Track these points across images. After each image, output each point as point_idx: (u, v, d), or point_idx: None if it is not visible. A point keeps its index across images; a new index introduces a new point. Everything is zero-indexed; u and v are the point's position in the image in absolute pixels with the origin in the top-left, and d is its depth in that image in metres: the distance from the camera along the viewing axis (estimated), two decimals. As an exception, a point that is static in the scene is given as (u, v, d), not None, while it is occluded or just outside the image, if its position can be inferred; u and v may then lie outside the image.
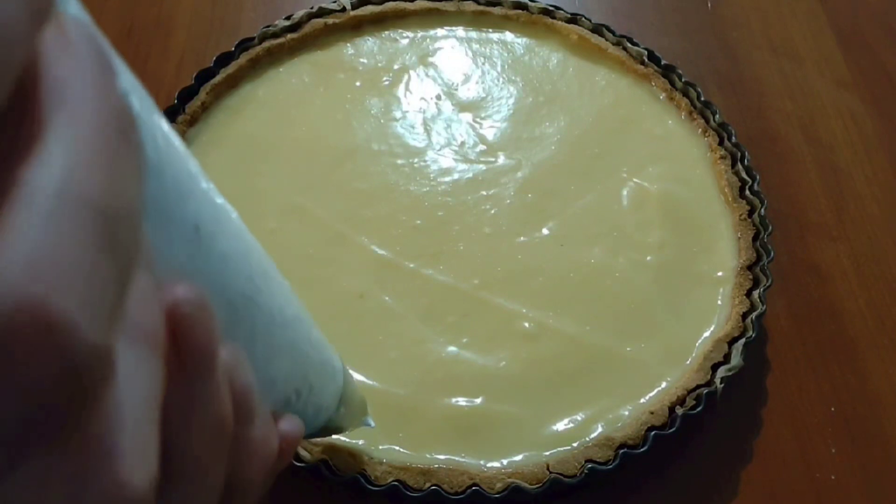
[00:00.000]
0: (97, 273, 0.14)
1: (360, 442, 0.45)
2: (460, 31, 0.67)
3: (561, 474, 0.44)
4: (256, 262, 0.26)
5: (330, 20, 0.65)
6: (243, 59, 0.62)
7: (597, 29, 0.66)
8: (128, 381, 0.16)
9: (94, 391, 0.14)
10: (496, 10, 0.67)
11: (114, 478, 0.15)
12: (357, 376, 0.47)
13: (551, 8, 0.67)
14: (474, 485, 0.44)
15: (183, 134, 0.58)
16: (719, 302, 0.52)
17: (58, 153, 0.14)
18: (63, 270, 0.13)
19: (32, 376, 0.13)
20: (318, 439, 0.45)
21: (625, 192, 0.57)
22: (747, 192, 0.56)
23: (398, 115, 0.62)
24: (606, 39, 0.65)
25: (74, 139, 0.14)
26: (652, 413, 0.47)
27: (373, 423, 0.43)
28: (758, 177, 0.57)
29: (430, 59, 0.65)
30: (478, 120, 0.62)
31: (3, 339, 0.12)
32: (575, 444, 0.46)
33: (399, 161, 0.59)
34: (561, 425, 0.47)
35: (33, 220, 0.13)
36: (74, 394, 0.14)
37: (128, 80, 0.19)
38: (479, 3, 0.68)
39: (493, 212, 0.56)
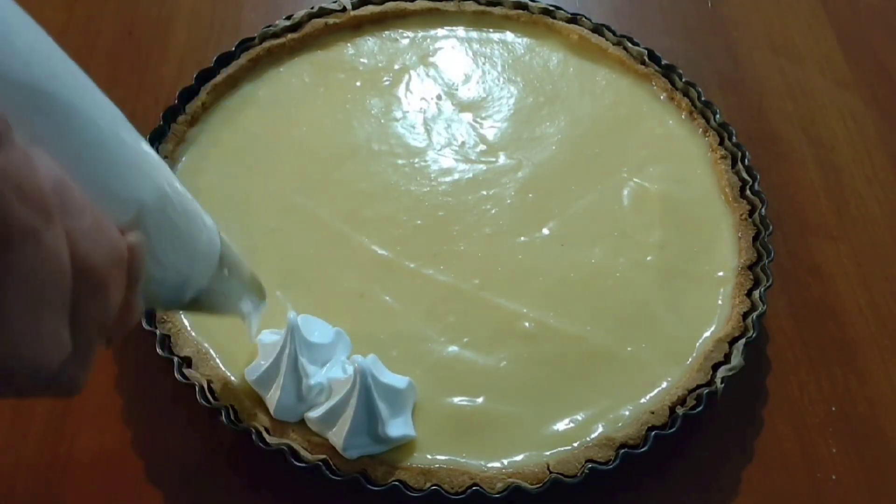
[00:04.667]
0: None
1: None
2: (461, 30, 0.67)
3: (561, 474, 0.44)
4: (75, 76, 0.26)
5: (330, 20, 0.65)
6: (244, 59, 0.62)
7: (597, 29, 0.66)
8: None
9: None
10: (497, 9, 0.67)
11: None
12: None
13: (552, 8, 0.67)
14: (475, 485, 0.44)
15: (183, 134, 0.58)
16: (720, 302, 0.52)
17: None
18: None
19: None
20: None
21: (625, 192, 0.57)
22: (748, 192, 0.56)
23: (399, 115, 0.62)
24: (607, 39, 0.65)
25: None
26: (652, 413, 0.47)
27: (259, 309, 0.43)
28: (758, 176, 0.57)
29: (431, 59, 0.65)
30: (478, 120, 0.62)
31: None
32: (575, 444, 0.46)
33: (400, 161, 0.59)
34: (561, 425, 0.47)
35: None
36: None
37: None
38: (479, 3, 0.68)
39: (493, 212, 0.56)
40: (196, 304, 0.36)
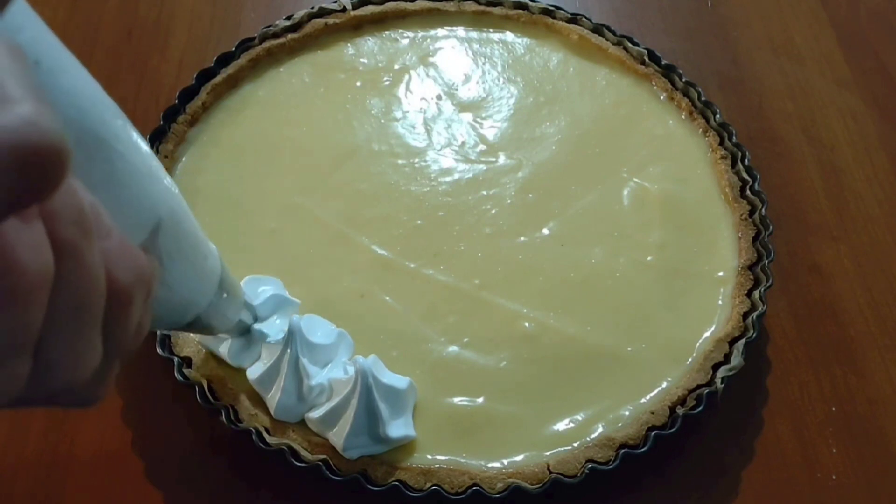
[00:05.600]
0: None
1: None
2: (461, 31, 0.67)
3: (562, 474, 0.44)
4: (110, 109, 0.28)
5: (330, 20, 0.65)
6: (244, 59, 0.62)
7: (597, 29, 0.66)
8: None
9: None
10: (497, 10, 0.67)
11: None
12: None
13: (552, 8, 0.67)
14: (475, 485, 0.44)
15: (183, 134, 0.58)
16: (720, 302, 0.52)
17: None
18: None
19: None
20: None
21: (626, 192, 0.57)
22: (748, 192, 0.56)
23: (399, 115, 0.62)
24: (607, 39, 0.65)
25: None
26: (653, 413, 0.47)
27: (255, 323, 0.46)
28: (758, 176, 0.57)
29: (431, 59, 0.65)
30: (478, 120, 0.62)
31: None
32: (576, 444, 0.46)
33: (400, 161, 0.59)
34: (562, 425, 0.47)
35: None
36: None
37: None
38: (479, 3, 0.68)
39: (493, 212, 0.56)
40: (192, 327, 0.38)
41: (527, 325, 0.51)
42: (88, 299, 0.23)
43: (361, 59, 0.65)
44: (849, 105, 0.68)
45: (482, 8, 0.68)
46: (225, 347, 0.47)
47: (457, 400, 0.48)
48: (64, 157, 0.18)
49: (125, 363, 0.27)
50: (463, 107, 0.62)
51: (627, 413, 0.47)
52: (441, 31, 0.67)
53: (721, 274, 0.53)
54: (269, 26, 0.64)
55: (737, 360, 0.49)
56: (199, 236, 0.35)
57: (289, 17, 0.65)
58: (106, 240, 0.24)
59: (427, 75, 0.64)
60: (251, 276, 0.49)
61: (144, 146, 0.31)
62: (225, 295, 0.39)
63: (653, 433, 0.46)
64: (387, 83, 0.63)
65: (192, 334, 0.48)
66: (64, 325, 0.22)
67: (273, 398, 0.45)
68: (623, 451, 0.45)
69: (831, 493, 0.48)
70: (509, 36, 0.67)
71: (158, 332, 0.48)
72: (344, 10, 0.66)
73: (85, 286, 0.22)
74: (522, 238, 0.55)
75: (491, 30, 0.67)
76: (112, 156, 0.28)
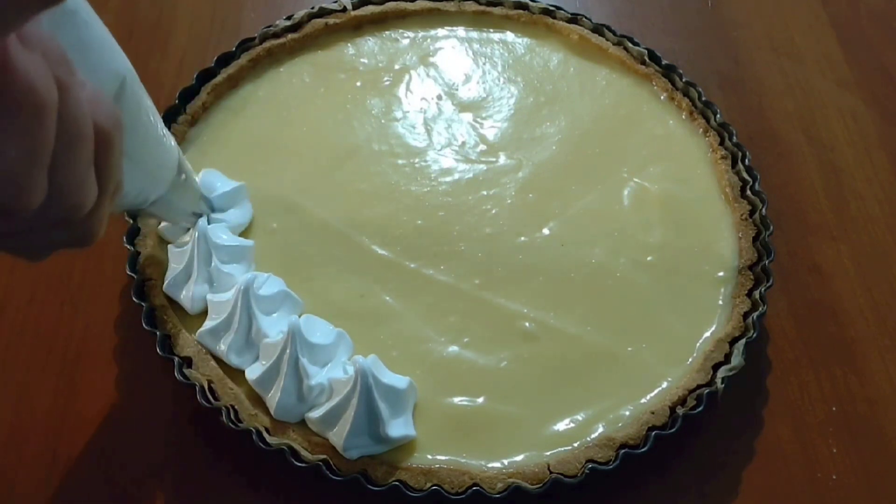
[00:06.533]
0: None
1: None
2: (461, 30, 0.67)
3: (562, 474, 0.44)
4: None
5: (331, 20, 0.65)
6: (244, 59, 0.62)
7: (597, 29, 0.66)
8: None
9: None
10: (497, 10, 0.67)
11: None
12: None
13: (552, 8, 0.67)
14: (475, 485, 0.44)
15: (184, 134, 0.58)
16: (720, 302, 0.52)
17: None
18: None
19: None
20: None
21: (626, 192, 0.57)
22: (748, 192, 0.56)
23: (399, 115, 0.62)
24: (607, 39, 0.65)
25: None
26: (653, 413, 0.47)
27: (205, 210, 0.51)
28: (758, 176, 0.57)
29: (431, 59, 0.65)
30: (479, 120, 0.62)
31: None
32: (576, 444, 0.46)
33: (400, 161, 0.59)
34: (562, 425, 0.47)
35: None
36: None
37: None
38: (479, 3, 0.68)
39: (493, 212, 0.56)
40: (155, 206, 0.43)
41: (527, 325, 0.51)
42: (81, 132, 0.26)
43: (362, 59, 0.65)
44: (849, 105, 0.68)
45: (482, 8, 0.68)
46: (225, 347, 0.47)
47: (457, 400, 0.48)
48: None
49: (111, 209, 0.31)
50: (463, 107, 0.62)
51: (627, 413, 0.47)
52: (441, 31, 0.67)
53: (721, 274, 0.53)
54: (269, 26, 0.64)
55: (737, 360, 0.49)
56: (157, 114, 0.38)
57: (289, 17, 0.65)
58: (83, 89, 0.26)
59: (427, 75, 0.64)
60: (254, 272, 0.49)
61: (99, 19, 0.34)
62: (183, 176, 0.43)
63: (653, 433, 0.46)
64: (387, 83, 0.63)
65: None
66: (66, 153, 0.25)
67: (273, 398, 0.45)
68: (623, 451, 0.45)
69: (831, 493, 0.48)
70: (509, 36, 0.67)
71: (159, 333, 0.48)
72: (344, 10, 0.66)
73: (77, 119, 0.25)
74: (522, 238, 0.55)
75: (491, 30, 0.67)
76: (78, 22, 0.31)
